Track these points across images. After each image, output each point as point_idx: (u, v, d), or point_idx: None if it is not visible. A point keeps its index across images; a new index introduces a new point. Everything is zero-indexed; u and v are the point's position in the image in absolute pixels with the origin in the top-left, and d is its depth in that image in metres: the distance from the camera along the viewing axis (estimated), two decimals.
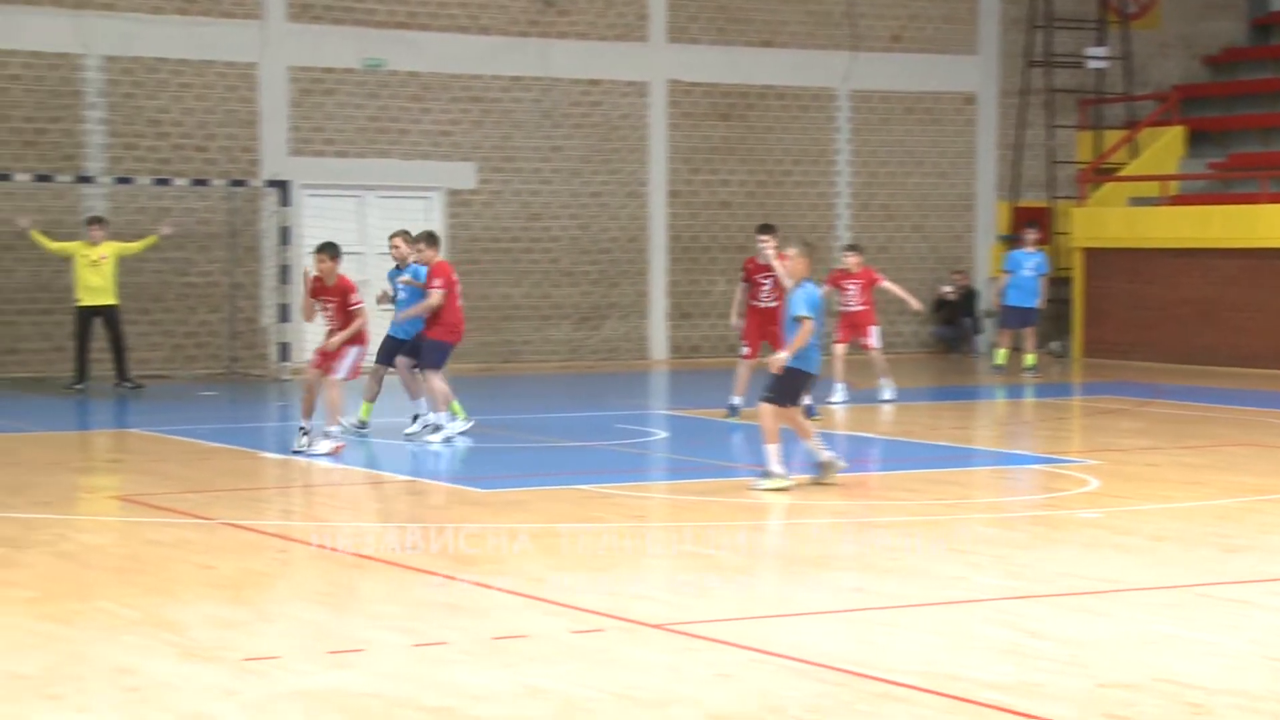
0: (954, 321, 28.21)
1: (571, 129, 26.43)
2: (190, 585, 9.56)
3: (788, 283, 16.42)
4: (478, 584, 9.52)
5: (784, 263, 13.82)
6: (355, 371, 15.54)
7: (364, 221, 25.17)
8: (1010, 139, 29.25)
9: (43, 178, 22.64)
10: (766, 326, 17.85)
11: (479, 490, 13.42)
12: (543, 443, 16.50)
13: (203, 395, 21.19)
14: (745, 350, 18.02)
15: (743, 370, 17.97)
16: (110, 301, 21.30)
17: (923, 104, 28.84)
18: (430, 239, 16.48)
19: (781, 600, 9.24)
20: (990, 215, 29.44)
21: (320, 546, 10.83)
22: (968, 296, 28.50)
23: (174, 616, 8.63)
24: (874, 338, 20.05)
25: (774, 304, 17.94)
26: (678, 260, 27.26)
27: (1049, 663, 7.78)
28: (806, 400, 17.71)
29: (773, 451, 13.08)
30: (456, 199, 25.74)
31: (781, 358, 13.21)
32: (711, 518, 12.17)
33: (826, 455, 13.39)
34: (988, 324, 28.00)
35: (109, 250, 21.35)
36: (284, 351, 23.68)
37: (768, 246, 17.84)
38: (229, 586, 9.51)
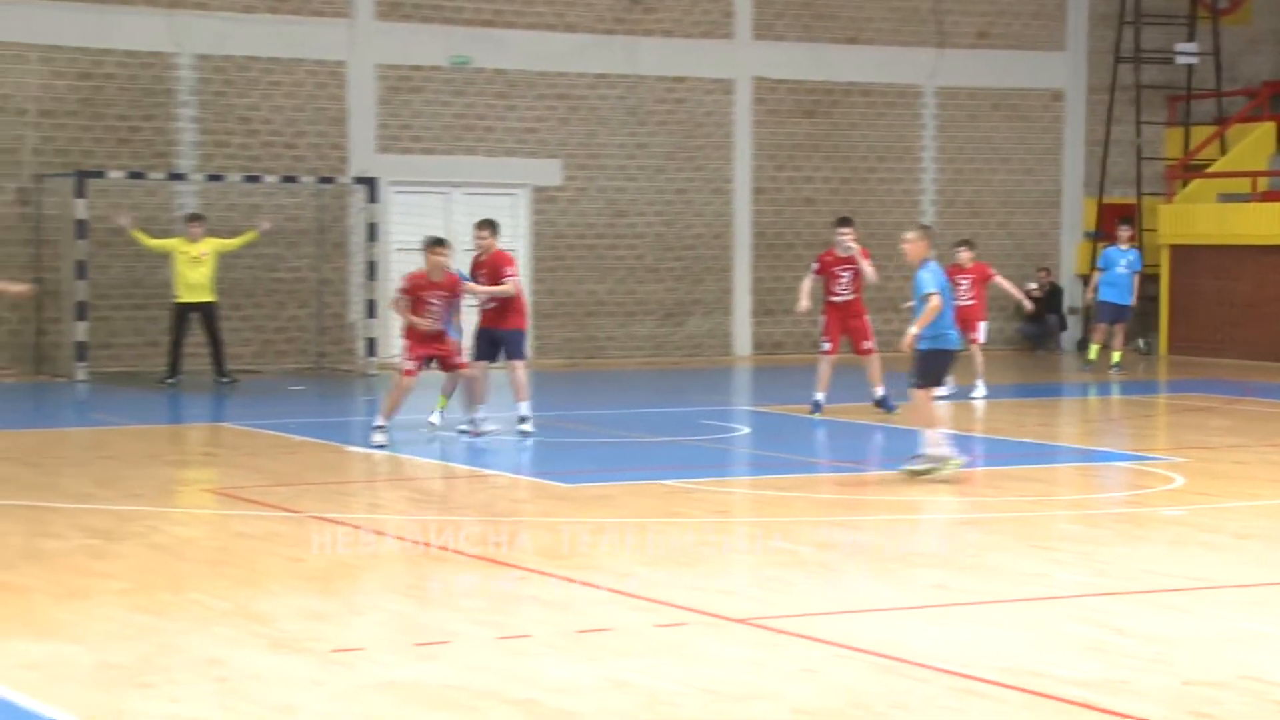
0: (1039, 318, 28.01)
1: (657, 126, 26.44)
2: (279, 577, 9.63)
3: (868, 271, 16.43)
4: (562, 578, 9.55)
5: (904, 246, 13.78)
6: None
7: (450, 218, 25.27)
8: (1098, 135, 29.00)
9: (136, 175, 22.89)
10: (847, 320, 17.85)
11: (564, 485, 13.45)
12: (627, 438, 16.52)
13: (292, 390, 21.36)
14: (826, 346, 18.01)
15: (824, 366, 17.93)
16: (209, 298, 21.46)
17: (1009, 100, 28.65)
18: (493, 227, 16.34)
19: (865, 596, 9.22)
20: (1077, 212, 29.21)
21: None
22: (1053, 293, 28.29)
23: (263, 608, 8.70)
24: (981, 333, 20.08)
25: (851, 297, 17.93)
26: (761, 257, 27.21)
27: (1133, 660, 7.72)
28: (880, 391, 17.72)
29: (934, 437, 13.15)
30: (542, 195, 25.81)
31: (911, 333, 13.29)
32: (795, 513, 12.15)
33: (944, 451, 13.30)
34: (1072, 321, 27.79)
35: (208, 247, 21.53)
36: (371, 347, 23.82)
37: (848, 239, 17.80)
38: (317, 579, 9.57)
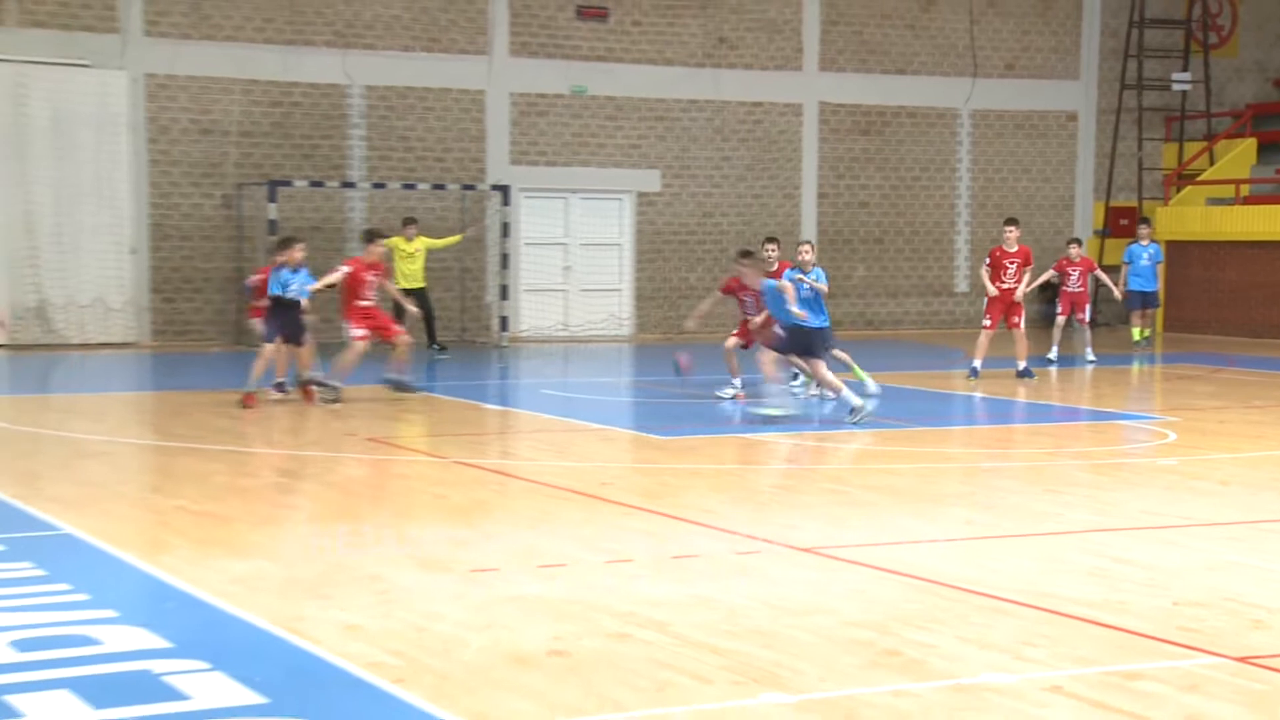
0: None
1: (738, 143, 26.33)
2: (428, 510, 9.71)
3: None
4: (658, 513, 9.56)
5: (802, 256, 14.54)
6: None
7: (569, 218, 25.36)
8: (1105, 149, 28.60)
9: (316, 184, 23.08)
10: (1009, 301, 17.77)
11: (660, 437, 13.46)
12: (711, 399, 16.52)
13: (439, 358, 21.49)
14: (987, 322, 17.94)
15: (983, 339, 17.82)
16: (420, 284, 21.49)
17: (1030, 121, 28.30)
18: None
19: (905, 530, 9.17)
20: (1087, 214, 28.84)
21: (531, 481, 10.95)
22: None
23: (415, 535, 8.76)
24: (1086, 314, 20.22)
25: (1015, 284, 17.79)
26: (824, 250, 27.02)
27: (1131, 584, 7.63)
28: (1022, 365, 17.52)
29: (774, 390, 14.09)
30: (644, 200, 25.79)
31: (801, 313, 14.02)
32: (848, 461, 12.11)
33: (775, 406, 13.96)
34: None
35: (420, 245, 21.63)
36: (504, 324, 23.93)
37: (1013, 236, 17.76)
38: (458, 512, 9.63)
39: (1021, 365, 17.99)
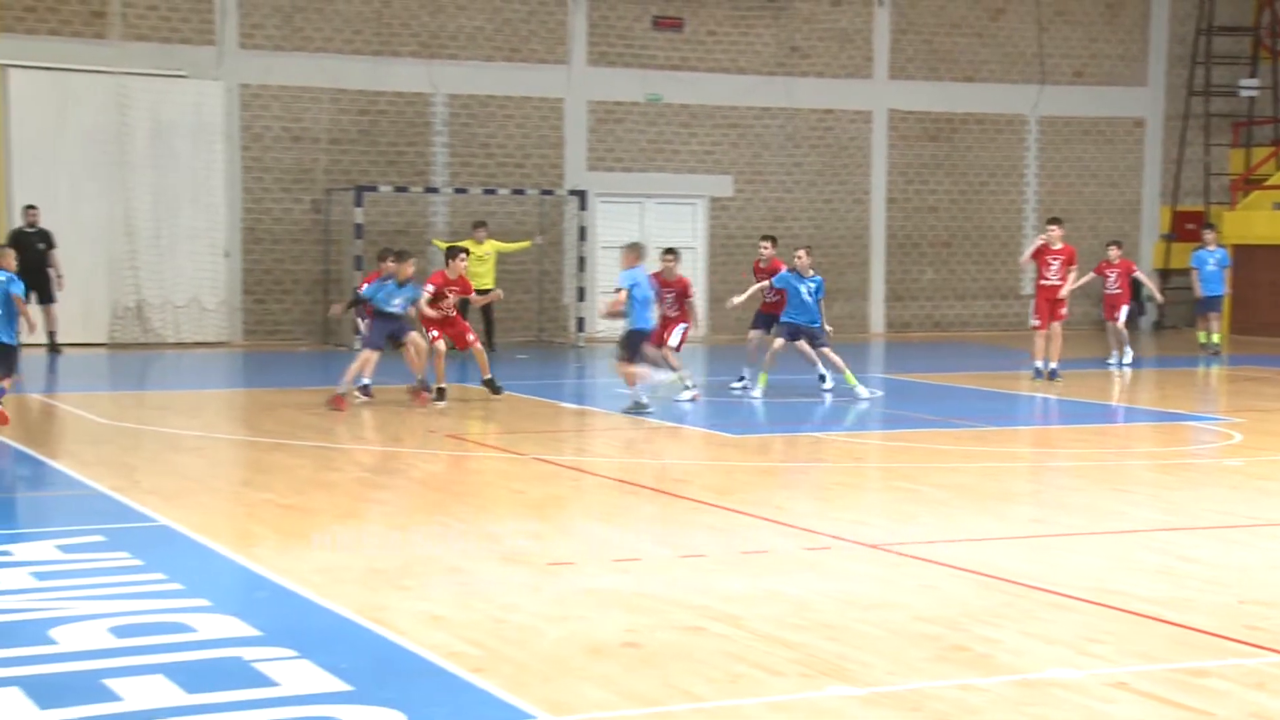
0: (1135, 302, 27.32)
1: (809, 149, 26.22)
2: (506, 505, 9.73)
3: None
4: (730, 509, 9.53)
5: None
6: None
7: (644, 223, 25.35)
8: (1172, 155, 28.21)
9: (400, 189, 23.24)
10: (1052, 299, 17.57)
11: (732, 435, 13.43)
12: (783, 399, 16.46)
13: (518, 358, 21.55)
14: (1036, 322, 17.73)
15: (1039, 340, 17.60)
16: (488, 285, 21.49)
17: (1098, 127, 27.97)
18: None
19: (973, 527, 9.09)
20: (1154, 218, 28.45)
21: (606, 477, 10.95)
22: (1133, 285, 27.52)
23: (493, 529, 8.80)
24: (1123, 315, 19.86)
25: (1059, 282, 17.56)
26: (893, 254, 26.91)
27: (1197, 582, 7.52)
28: (1053, 365, 17.33)
29: (637, 385, 14.34)
30: (717, 205, 25.74)
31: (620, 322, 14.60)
32: (916, 460, 12.01)
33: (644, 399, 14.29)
34: (1149, 308, 27.05)
35: (490, 248, 21.70)
36: (580, 325, 23.97)
37: (1056, 234, 17.59)
38: (536, 507, 9.65)
39: (1052, 365, 17.59)
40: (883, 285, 26.85)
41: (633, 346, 14.61)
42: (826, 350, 16.07)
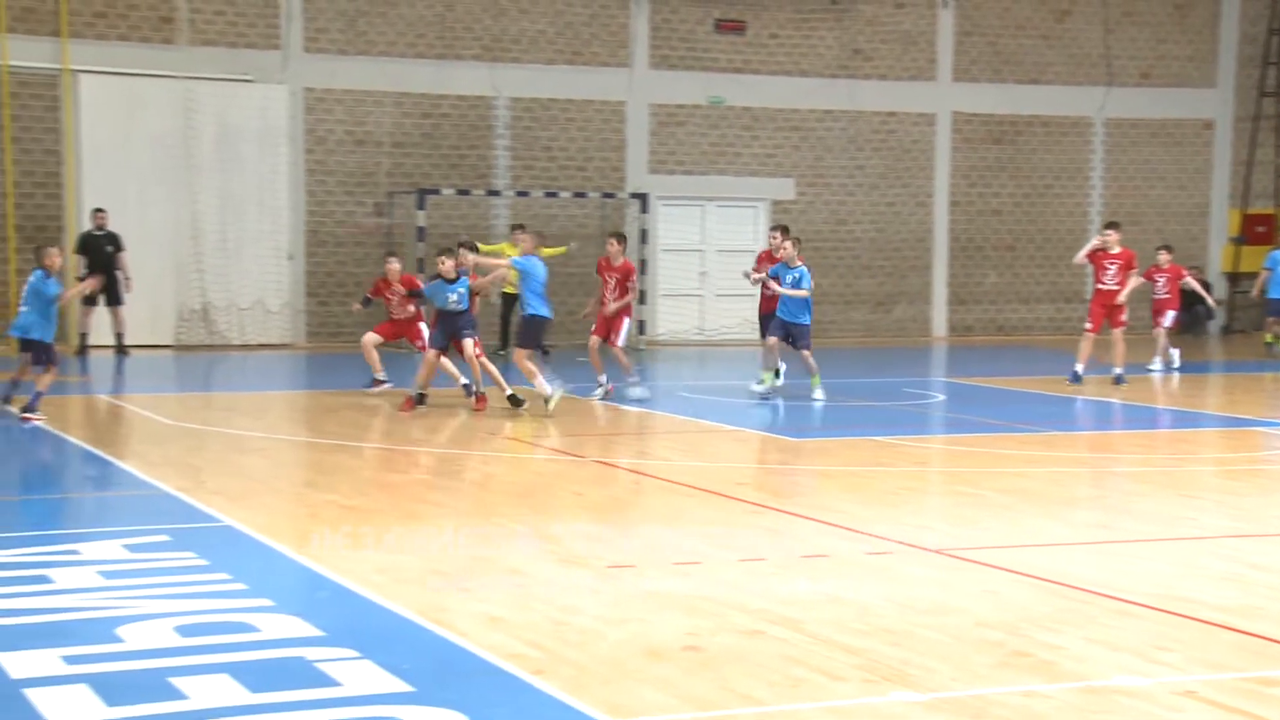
0: (1191, 309, 26.99)
1: (872, 151, 26.11)
2: (566, 507, 9.73)
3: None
4: (790, 513, 9.50)
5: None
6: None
7: (705, 225, 25.35)
8: (1242, 157, 27.85)
9: (462, 192, 23.36)
10: (1109, 304, 17.40)
11: (793, 439, 13.39)
12: (844, 402, 16.40)
13: (580, 361, 21.56)
14: (1089, 326, 17.56)
15: (1085, 344, 17.44)
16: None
17: (1166, 129, 27.66)
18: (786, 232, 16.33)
19: (1036, 532, 9.01)
20: (1223, 221, 28.11)
21: (666, 480, 10.94)
22: (1184, 291, 27.23)
23: (553, 531, 8.80)
24: (1168, 319, 19.59)
25: (1115, 286, 17.40)
26: (956, 257, 26.74)
27: (1266, 590, 7.41)
28: (1118, 370, 17.19)
29: (539, 382, 14.24)
30: (779, 207, 25.68)
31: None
32: (980, 464, 11.91)
33: (548, 390, 14.24)
34: (1218, 311, 26.73)
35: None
36: (641, 328, 23.97)
37: (1113, 238, 17.42)
38: (596, 509, 9.65)
39: (1117, 370, 17.46)
40: (945, 289, 26.69)
41: (532, 336, 14.61)
42: (805, 353, 15.88)
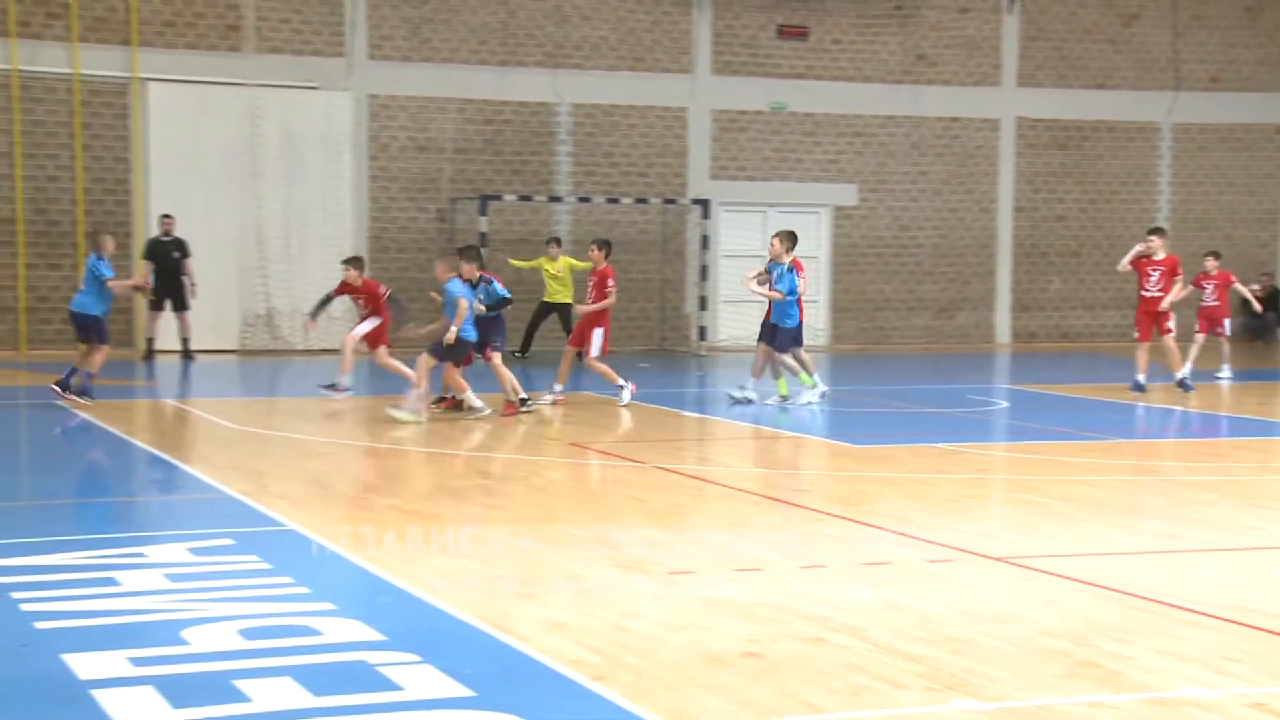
0: (1260, 316, 26.63)
1: (935, 157, 25.97)
2: (626, 513, 9.73)
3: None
4: (851, 520, 9.45)
5: (437, 273, 15.07)
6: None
7: (767, 232, 25.23)
8: None
9: (524, 198, 23.43)
10: (1153, 312, 17.21)
11: (854, 445, 13.32)
12: (906, 409, 16.30)
13: (640, 366, 21.58)
14: (1137, 334, 17.37)
15: (1140, 353, 17.24)
16: (566, 300, 21.64)
17: (1235, 134, 27.33)
18: (792, 238, 15.97)
19: (1101, 541, 8.91)
20: None
21: (727, 486, 10.92)
22: (1272, 295, 26.87)
23: (614, 537, 8.80)
24: (1226, 328, 19.30)
25: (1159, 293, 17.20)
26: (1020, 263, 26.53)
27: None
28: (1179, 375, 17.02)
29: (414, 396, 14.11)
30: (840, 214, 25.59)
31: (452, 331, 14.18)
32: (1044, 472, 11.80)
33: (477, 403, 14.34)
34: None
35: (563, 264, 21.67)
36: (702, 333, 23.96)
37: (1157, 245, 17.22)
38: (656, 515, 9.64)
39: (1177, 376, 17.26)
40: (1009, 295, 26.49)
41: (456, 355, 14.50)
42: (783, 356, 15.70)
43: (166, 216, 21.36)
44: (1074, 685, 5.90)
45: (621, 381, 15.81)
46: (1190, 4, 27.00)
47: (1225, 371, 19.22)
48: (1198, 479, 11.65)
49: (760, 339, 16.06)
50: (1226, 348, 19.40)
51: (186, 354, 21.23)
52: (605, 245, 16.20)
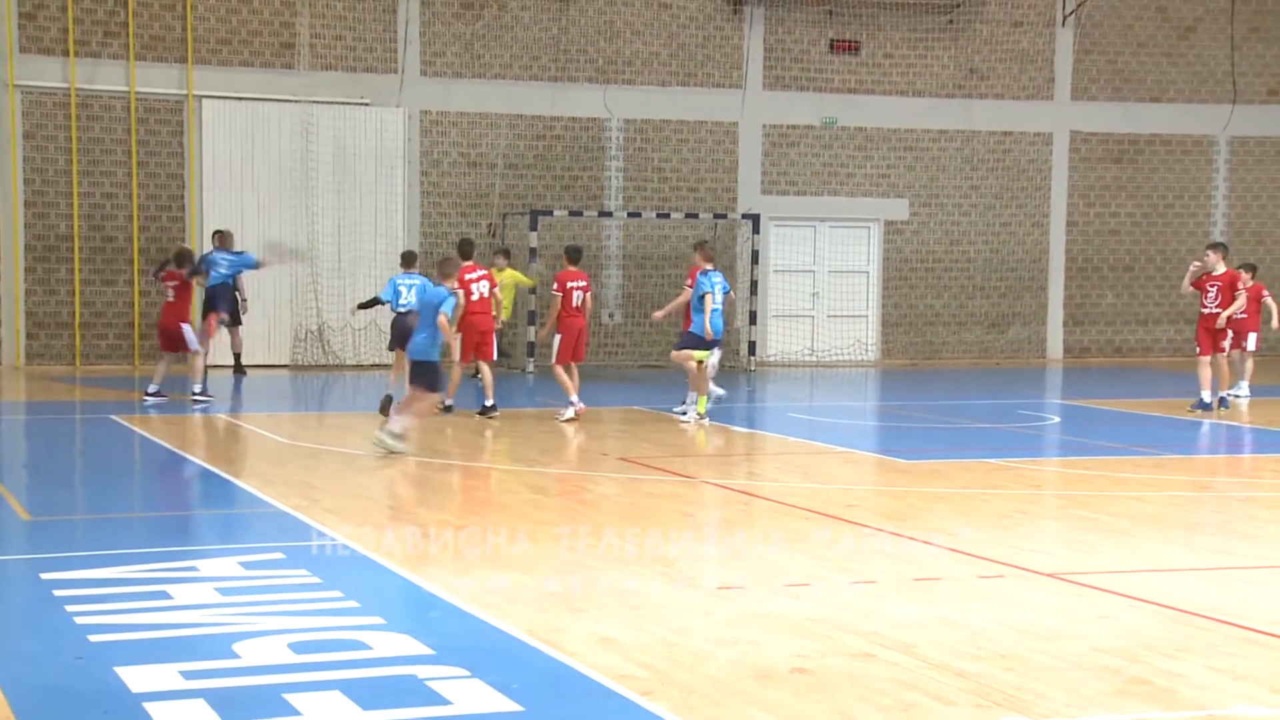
0: None
1: (987, 171, 25.83)
2: (677, 528, 9.72)
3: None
4: (903, 535, 9.41)
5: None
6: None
7: (817, 246, 25.24)
8: None
9: (575, 213, 23.49)
10: (1211, 329, 17.05)
11: (905, 461, 13.26)
12: (958, 424, 16.22)
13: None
14: (1199, 350, 17.20)
15: (1202, 370, 17.06)
16: (505, 316, 20.44)
17: None
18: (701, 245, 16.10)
19: (1155, 557, 8.82)
20: None
21: (778, 502, 10.90)
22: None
23: (665, 552, 8.80)
24: (1251, 342, 19.07)
25: (1217, 309, 17.05)
26: (1072, 278, 26.34)
27: None
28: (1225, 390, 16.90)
29: (401, 423, 13.11)
30: (892, 228, 25.50)
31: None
32: (1096, 488, 11.70)
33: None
34: None
35: (508, 277, 19.66)
36: (752, 348, 23.93)
37: (1215, 261, 17.09)
38: (707, 530, 9.64)
39: (1221, 394, 17.05)
40: (1061, 309, 26.30)
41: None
42: (676, 354, 15.67)
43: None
44: (1125, 702, 5.85)
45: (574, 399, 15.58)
46: (1247, 16, 26.76)
47: (1243, 388, 18.81)
48: (1253, 495, 11.52)
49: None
50: (1249, 364, 19.06)
51: (239, 369, 21.40)
52: (580, 251, 16.19)
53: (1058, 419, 17.18)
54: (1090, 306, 26.49)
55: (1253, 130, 26.76)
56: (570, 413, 15.56)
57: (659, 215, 23.91)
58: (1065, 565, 8.48)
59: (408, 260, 16.16)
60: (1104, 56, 26.20)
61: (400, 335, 15.15)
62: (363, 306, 16.63)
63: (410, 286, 15.34)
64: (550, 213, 23.13)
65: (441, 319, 13.26)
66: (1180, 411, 16.96)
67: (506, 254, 20.53)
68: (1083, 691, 5.98)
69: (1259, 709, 5.75)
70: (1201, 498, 11.48)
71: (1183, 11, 26.48)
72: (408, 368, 13.62)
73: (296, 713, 5.64)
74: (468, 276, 15.47)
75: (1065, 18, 25.93)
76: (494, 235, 23.64)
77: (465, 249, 15.97)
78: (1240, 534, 9.66)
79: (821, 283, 25.26)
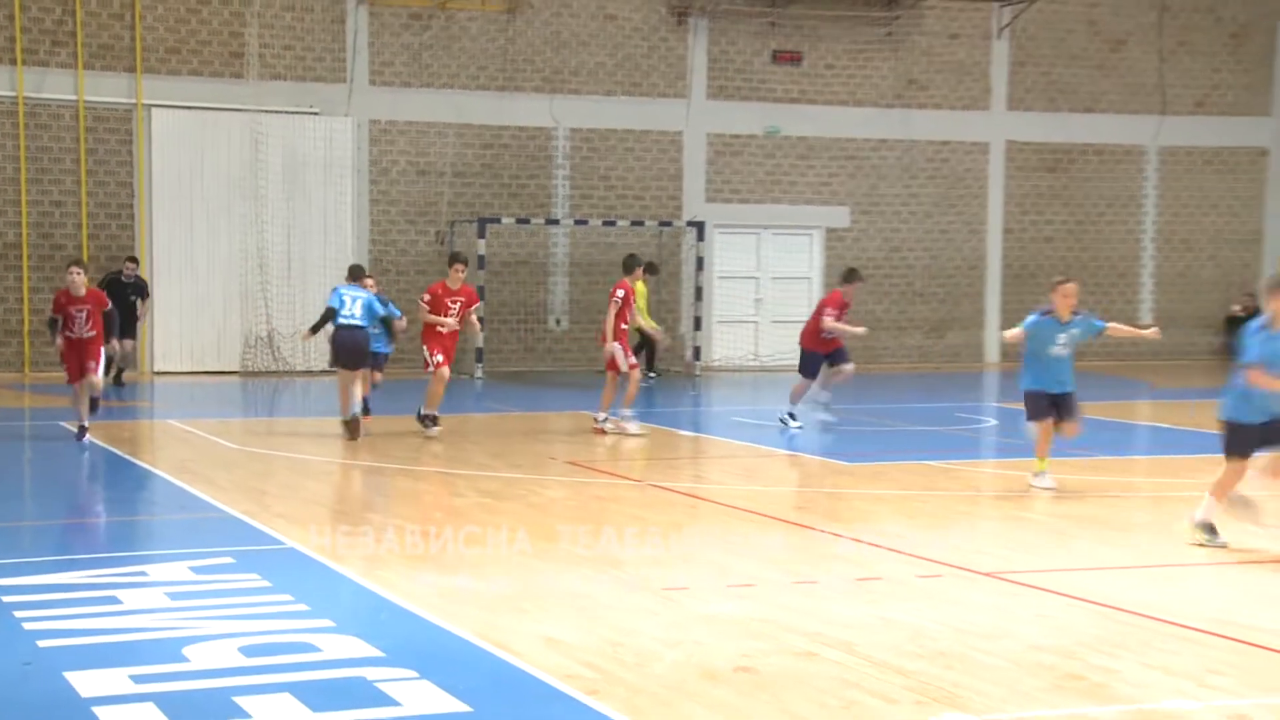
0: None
1: (926, 180, 26.01)
2: (623, 531, 9.73)
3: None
4: (845, 536, 9.45)
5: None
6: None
7: (760, 253, 25.31)
8: None
9: (522, 220, 23.45)
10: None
11: (846, 463, 13.32)
12: (898, 427, 16.32)
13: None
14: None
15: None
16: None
17: (1220, 157, 27.39)
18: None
19: (1091, 557, 8.91)
20: (1277, 247, 27.77)
21: (722, 504, 10.92)
22: (1254, 315, 26.90)
23: (612, 554, 8.81)
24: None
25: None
26: (1009, 284, 26.55)
27: None
28: None
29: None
30: (833, 235, 25.62)
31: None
32: (1035, 489, 11.79)
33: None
34: None
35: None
36: (697, 354, 23.96)
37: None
38: (652, 533, 9.64)
39: None
40: (998, 315, 26.49)
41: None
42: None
43: (131, 259, 20.90)
44: (1062, 698, 5.90)
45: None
46: (1176, 30, 27.10)
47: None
48: (1186, 495, 11.64)
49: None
50: None
51: (118, 380, 19.86)
52: (465, 261, 15.51)
53: (995, 421, 17.31)
54: (1026, 312, 26.62)
55: (1181, 140, 27.11)
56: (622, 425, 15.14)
57: (605, 223, 23.91)
58: (1003, 565, 8.54)
59: (354, 274, 15.69)
60: (1038, 68, 26.45)
61: (347, 352, 14.65)
62: (314, 329, 15.87)
63: (355, 299, 14.93)
64: (498, 220, 23.08)
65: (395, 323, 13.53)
66: (1114, 413, 17.11)
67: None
68: (1020, 688, 6.03)
69: (1189, 703, 5.82)
70: (1134, 498, 11.59)
71: (1113, 26, 26.79)
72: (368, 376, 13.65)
73: (247, 715, 5.59)
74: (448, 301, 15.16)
75: (1001, 30, 26.16)
76: (442, 243, 23.56)
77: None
78: (1171, 533, 9.76)
79: (765, 289, 25.34)
